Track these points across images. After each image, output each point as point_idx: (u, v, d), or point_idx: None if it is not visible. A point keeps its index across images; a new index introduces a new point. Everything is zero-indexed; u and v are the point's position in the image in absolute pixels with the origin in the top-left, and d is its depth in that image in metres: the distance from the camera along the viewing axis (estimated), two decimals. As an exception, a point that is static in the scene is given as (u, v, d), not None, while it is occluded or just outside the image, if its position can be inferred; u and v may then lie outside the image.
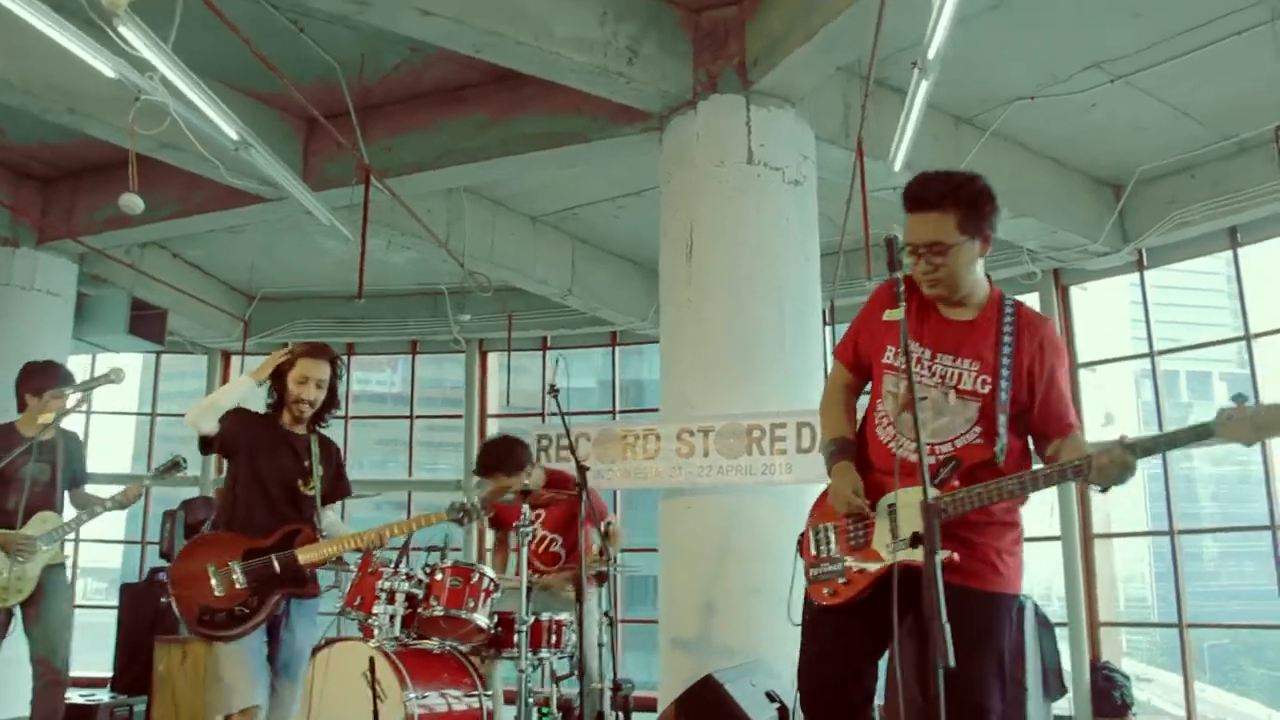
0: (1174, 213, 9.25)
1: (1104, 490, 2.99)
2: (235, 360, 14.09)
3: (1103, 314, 10.94)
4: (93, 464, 6.48)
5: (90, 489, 6.26)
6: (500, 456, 6.00)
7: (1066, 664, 9.63)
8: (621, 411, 12.90)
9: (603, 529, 5.59)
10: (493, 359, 13.59)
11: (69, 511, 6.04)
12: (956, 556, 2.81)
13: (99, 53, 5.93)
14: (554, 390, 5.21)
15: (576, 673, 5.44)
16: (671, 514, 7.23)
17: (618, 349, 13.10)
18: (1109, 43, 7.48)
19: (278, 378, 4.79)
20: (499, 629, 5.29)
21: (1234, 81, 7.84)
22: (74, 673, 5.87)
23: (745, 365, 6.96)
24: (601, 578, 5.45)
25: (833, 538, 3.31)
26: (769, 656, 6.21)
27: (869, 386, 3.50)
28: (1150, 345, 10.00)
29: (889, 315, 3.01)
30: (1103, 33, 7.37)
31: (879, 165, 7.59)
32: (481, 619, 5.17)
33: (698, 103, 7.35)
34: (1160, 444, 2.96)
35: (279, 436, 4.80)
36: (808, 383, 6.92)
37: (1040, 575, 10.88)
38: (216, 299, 12.68)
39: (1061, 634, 9.83)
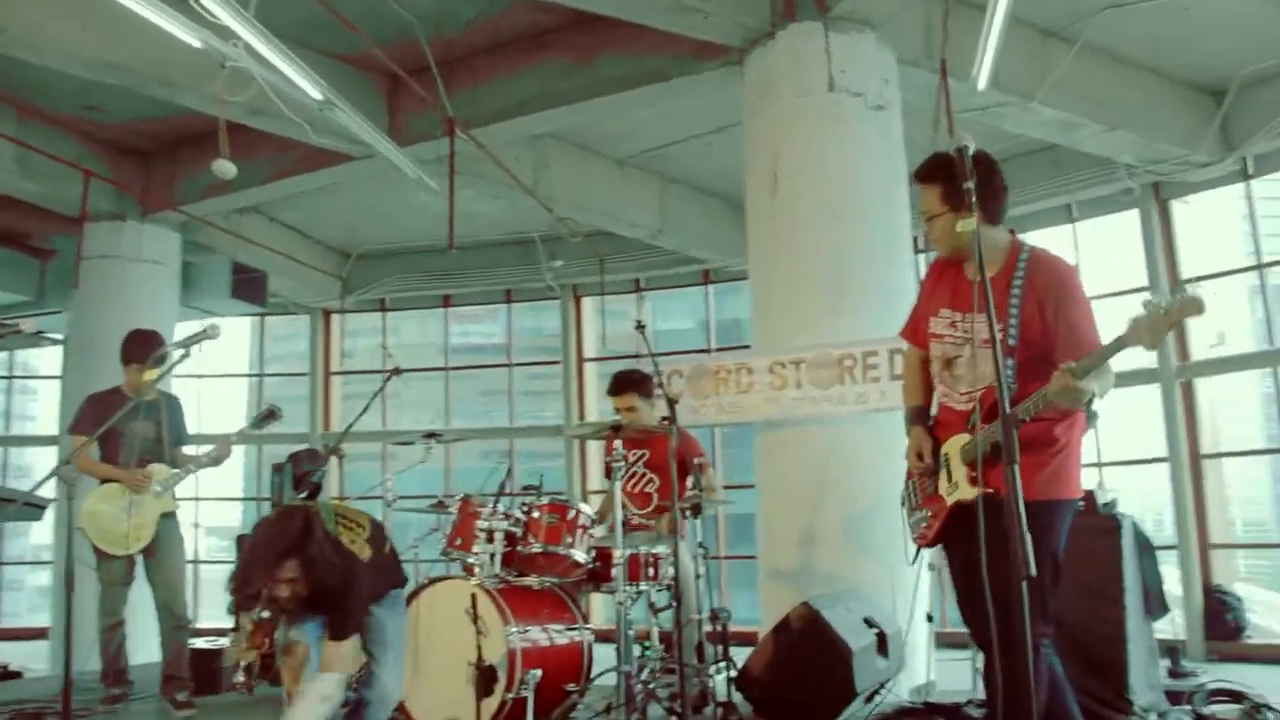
0: (1280, 116, 8.90)
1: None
2: (335, 319, 14.43)
3: (1209, 228, 10.57)
4: (206, 425, 6.71)
5: (197, 449, 6.51)
6: (634, 379, 6.32)
7: (1176, 587, 9.48)
8: (718, 349, 12.90)
9: (695, 464, 5.64)
10: (587, 304, 13.69)
11: None
12: (992, 490, 3.34)
13: (184, 24, 6.11)
14: (640, 326, 5.25)
15: (673, 604, 5.53)
16: (768, 448, 7.24)
17: (711, 287, 13.10)
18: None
19: None
20: (597, 563, 5.38)
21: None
22: (202, 624, 6.11)
23: (835, 295, 6.91)
24: (696, 509, 5.47)
25: (916, 491, 3.84)
26: (870, 585, 6.22)
27: None
28: (1258, 258, 9.68)
29: (961, 226, 3.10)
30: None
31: (963, 85, 7.44)
32: (579, 554, 5.26)
33: (776, 33, 7.25)
34: (1095, 360, 3.12)
35: None
36: (899, 310, 6.74)
37: (1149, 497, 10.66)
38: (314, 259, 12.98)
39: (1171, 557, 9.66)
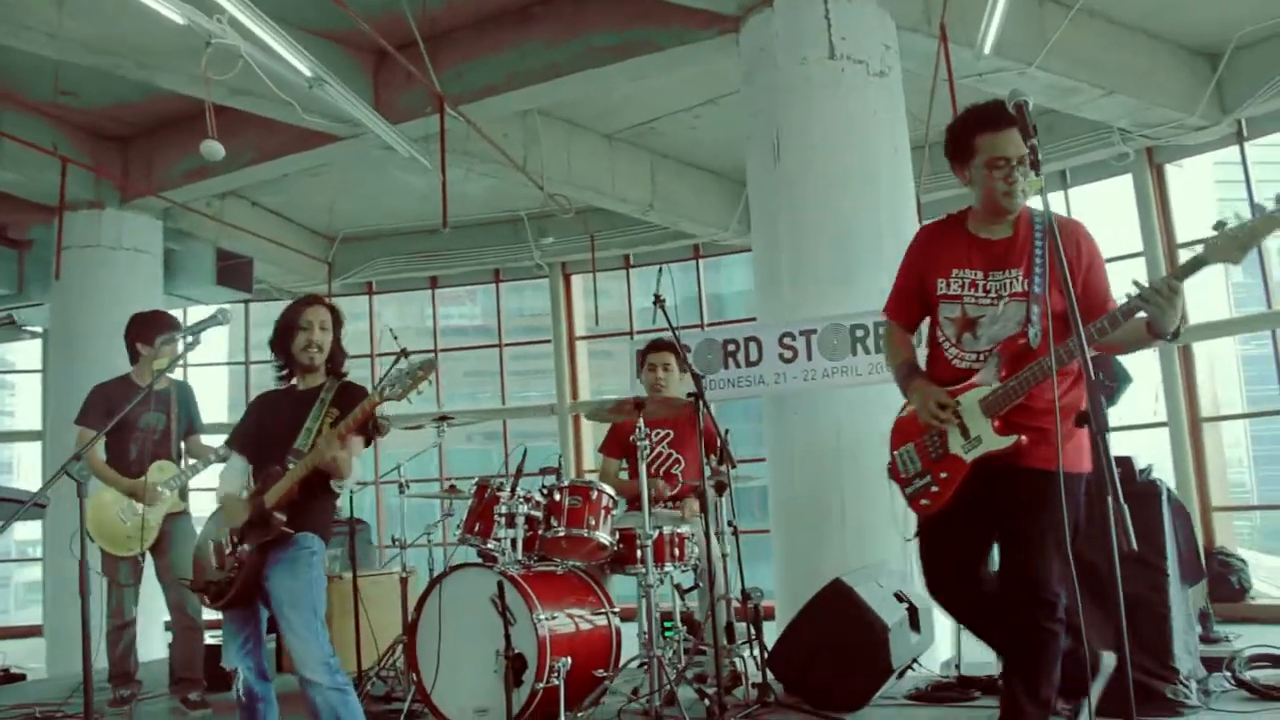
0: (1276, 78, 8.84)
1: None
2: (322, 303, 14.21)
3: (1193, 193, 10.55)
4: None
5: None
6: (674, 344, 5.74)
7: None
8: (710, 324, 12.79)
9: (718, 446, 5.47)
10: (576, 281, 13.54)
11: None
12: (1025, 439, 3.29)
13: (166, 1, 5.90)
14: (659, 300, 5.09)
15: (702, 585, 5.41)
16: (778, 421, 7.14)
17: (701, 262, 12.98)
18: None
19: (282, 342, 4.25)
20: (621, 545, 5.25)
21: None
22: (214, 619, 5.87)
23: (843, 265, 6.80)
24: (720, 487, 5.34)
25: (915, 456, 3.57)
26: (889, 559, 6.14)
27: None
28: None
29: (1031, 184, 3.00)
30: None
31: (962, 52, 7.33)
32: (603, 536, 5.12)
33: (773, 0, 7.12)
34: (1182, 273, 3.04)
35: (284, 401, 4.28)
36: (908, 279, 6.73)
37: (1147, 461, 10.62)
38: (299, 244, 12.77)
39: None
